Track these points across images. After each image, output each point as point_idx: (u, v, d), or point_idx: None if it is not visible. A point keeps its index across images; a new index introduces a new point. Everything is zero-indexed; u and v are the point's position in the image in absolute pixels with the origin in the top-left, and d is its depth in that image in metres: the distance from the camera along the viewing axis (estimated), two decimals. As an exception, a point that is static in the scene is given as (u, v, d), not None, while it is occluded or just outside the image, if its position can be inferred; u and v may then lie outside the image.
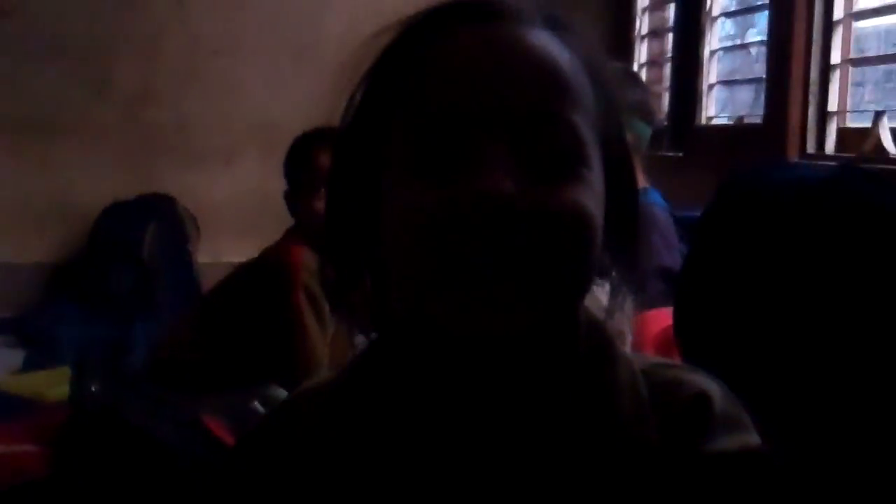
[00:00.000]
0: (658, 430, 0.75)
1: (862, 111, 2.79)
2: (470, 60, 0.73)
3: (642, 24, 3.98)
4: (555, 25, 0.77)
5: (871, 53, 2.98)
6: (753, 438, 0.78)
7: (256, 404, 2.07)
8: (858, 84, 2.96)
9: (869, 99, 3.00)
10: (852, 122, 2.80)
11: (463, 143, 0.71)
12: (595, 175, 0.73)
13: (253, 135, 3.93)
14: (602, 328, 0.80)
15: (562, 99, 0.73)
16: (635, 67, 3.91)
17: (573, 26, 0.78)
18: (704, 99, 3.52)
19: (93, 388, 2.06)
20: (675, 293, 1.09)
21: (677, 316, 1.09)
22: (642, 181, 2.62)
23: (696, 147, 3.41)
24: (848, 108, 2.80)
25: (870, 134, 2.56)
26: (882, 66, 2.99)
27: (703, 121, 3.54)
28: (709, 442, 0.75)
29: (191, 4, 4.00)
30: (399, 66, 0.76)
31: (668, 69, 3.75)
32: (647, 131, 2.64)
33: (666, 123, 3.57)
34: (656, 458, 0.74)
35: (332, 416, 0.80)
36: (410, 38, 0.77)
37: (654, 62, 3.93)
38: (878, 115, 2.56)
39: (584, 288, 0.74)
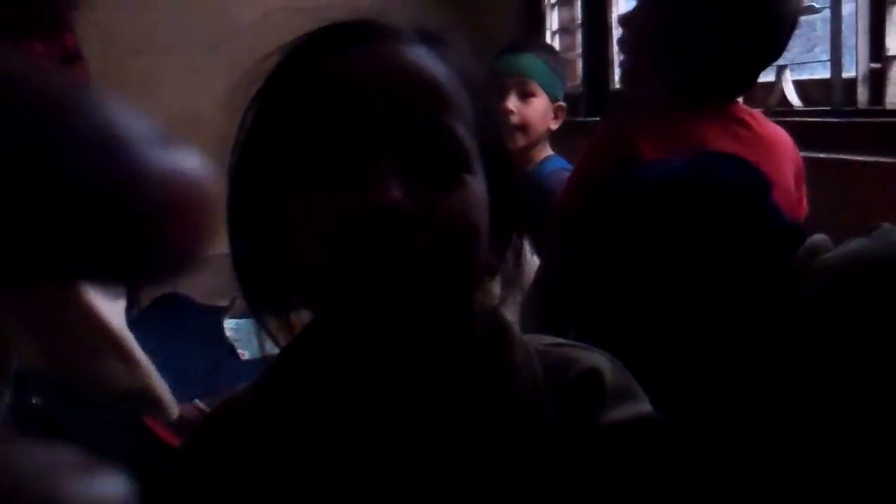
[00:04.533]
0: (554, 407, 0.81)
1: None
2: (355, 77, 0.78)
3: (552, -7, 4.03)
4: (431, 41, 0.83)
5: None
6: (645, 407, 0.85)
7: (197, 401, 2.09)
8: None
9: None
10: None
11: (353, 156, 0.76)
12: (477, 179, 0.79)
13: (174, 130, 3.92)
14: (498, 315, 0.86)
15: (442, 108, 0.78)
16: (547, 35, 3.97)
17: (448, 40, 0.85)
18: (616, 64, 3.58)
19: (34, 401, 2.07)
20: (562, 282, 1.18)
21: (568, 301, 1.19)
22: (546, 150, 2.72)
23: (612, 111, 3.48)
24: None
25: (773, 88, 2.64)
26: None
27: (617, 85, 3.60)
28: (603, 414, 0.82)
29: (102, 6, 3.98)
30: (288, 85, 0.81)
31: (579, 36, 3.80)
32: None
33: (581, 89, 3.64)
34: (553, 433, 0.80)
35: (259, 412, 0.85)
36: (297, 58, 0.82)
37: (565, 29, 3.98)
38: (780, 70, 2.64)
39: (472, 285, 0.81)
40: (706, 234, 1.10)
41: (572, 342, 0.92)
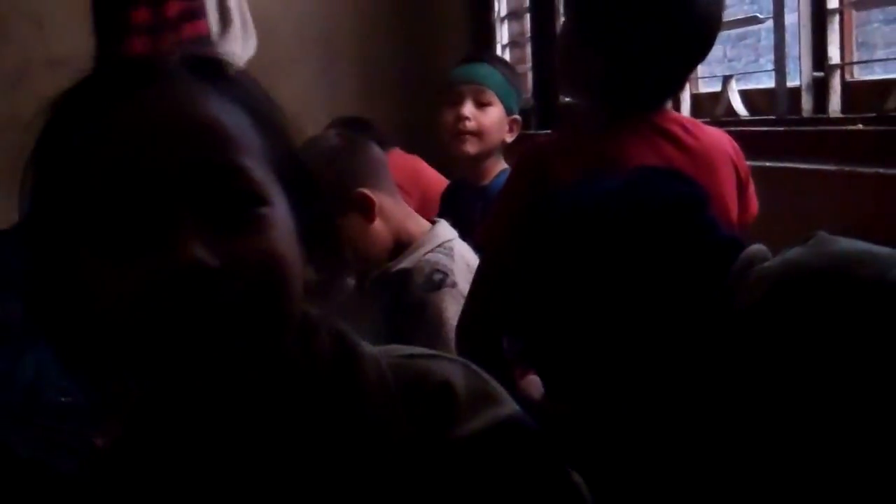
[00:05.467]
0: (410, 422, 0.81)
1: (711, 77, 2.88)
2: (131, 133, 0.74)
3: (501, 7, 4.06)
4: (209, 77, 0.80)
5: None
6: (504, 409, 0.85)
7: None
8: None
9: (719, 61, 3.10)
10: (705, 88, 2.91)
11: (145, 217, 0.73)
12: (277, 209, 0.77)
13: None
14: (344, 334, 0.85)
15: (226, 147, 0.76)
16: (497, 49, 3.99)
17: (227, 73, 0.82)
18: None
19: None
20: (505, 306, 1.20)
21: (516, 325, 1.21)
22: (501, 163, 2.73)
23: (561, 124, 3.50)
24: (700, 74, 2.90)
25: (720, 98, 2.67)
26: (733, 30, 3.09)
27: (567, 98, 3.62)
28: (456, 427, 0.82)
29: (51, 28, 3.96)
30: (58, 147, 0.77)
31: (528, 49, 3.83)
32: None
33: (532, 102, 3.66)
34: (408, 450, 0.80)
35: (124, 460, 0.84)
36: (66, 119, 0.77)
37: (514, 42, 4.00)
38: (726, 80, 2.67)
39: (293, 314, 0.78)
40: (643, 251, 1.11)
41: (427, 351, 0.91)
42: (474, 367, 0.89)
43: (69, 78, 0.81)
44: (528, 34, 3.84)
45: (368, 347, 0.86)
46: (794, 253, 1.06)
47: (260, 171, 0.77)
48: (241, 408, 0.79)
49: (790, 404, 0.97)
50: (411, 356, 0.88)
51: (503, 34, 4.06)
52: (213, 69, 0.81)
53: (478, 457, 0.81)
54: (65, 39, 3.90)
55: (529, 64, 3.80)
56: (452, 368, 0.86)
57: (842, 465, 0.94)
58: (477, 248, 2.00)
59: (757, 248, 1.11)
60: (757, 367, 0.99)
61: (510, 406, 0.86)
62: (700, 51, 1.68)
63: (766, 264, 1.06)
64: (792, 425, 0.97)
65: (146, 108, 0.75)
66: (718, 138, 1.74)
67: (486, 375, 0.88)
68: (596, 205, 1.16)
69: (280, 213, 0.78)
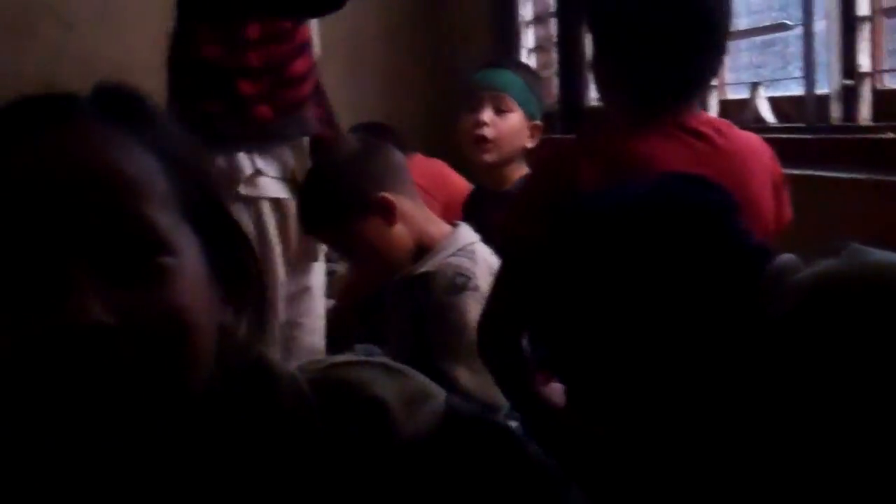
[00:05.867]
0: (344, 439, 0.78)
1: (739, 83, 2.87)
2: (24, 180, 0.71)
3: (526, 11, 4.04)
4: (121, 116, 0.76)
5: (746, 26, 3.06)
6: (438, 400, 0.83)
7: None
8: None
9: (747, 67, 3.08)
10: (733, 94, 2.89)
11: (37, 266, 0.69)
12: (184, 257, 0.74)
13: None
14: (262, 358, 0.82)
15: (126, 195, 0.72)
16: (523, 53, 3.98)
17: (144, 111, 0.78)
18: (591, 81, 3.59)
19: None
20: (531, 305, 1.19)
21: (541, 333, 1.20)
22: (523, 168, 2.70)
23: (587, 127, 3.48)
24: (727, 80, 2.89)
25: (747, 105, 2.65)
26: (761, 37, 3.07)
27: (593, 102, 3.61)
28: (396, 436, 0.79)
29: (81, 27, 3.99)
30: None
31: (555, 53, 3.81)
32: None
33: (557, 106, 3.64)
34: (347, 468, 0.78)
35: None
36: None
37: (541, 47, 3.99)
38: (754, 86, 2.65)
39: (200, 362, 0.74)
40: (669, 257, 1.10)
41: (346, 358, 0.88)
42: (394, 365, 0.85)
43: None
44: (555, 38, 3.82)
45: (284, 368, 0.83)
46: (828, 264, 1.05)
47: (166, 218, 0.73)
48: (151, 457, 0.74)
49: (824, 414, 0.96)
50: (331, 366, 0.85)
51: (529, 38, 4.04)
52: (128, 108, 0.77)
53: (429, 457, 0.79)
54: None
55: (555, 68, 3.79)
56: (375, 375, 0.83)
57: (875, 475, 0.93)
58: (498, 252, 1.98)
59: (789, 257, 1.10)
60: (790, 377, 0.98)
61: (440, 394, 0.84)
62: (713, 43, 1.65)
63: (801, 274, 1.05)
64: (824, 436, 0.95)
65: (43, 152, 0.72)
66: (753, 142, 1.72)
67: (408, 370, 0.85)
68: (622, 209, 1.15)
69: (188, 261, 0.74)
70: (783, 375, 0.98)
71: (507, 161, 2.71)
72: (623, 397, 1.12)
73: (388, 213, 2.01)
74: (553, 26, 3.85)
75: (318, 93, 2.37)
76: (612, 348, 1.11)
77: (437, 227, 2.09)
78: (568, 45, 3.64)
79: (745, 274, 1.08)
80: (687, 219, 1.12)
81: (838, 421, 0.95)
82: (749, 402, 1.01)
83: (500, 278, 1.72)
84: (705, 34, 1.64)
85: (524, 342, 1.64)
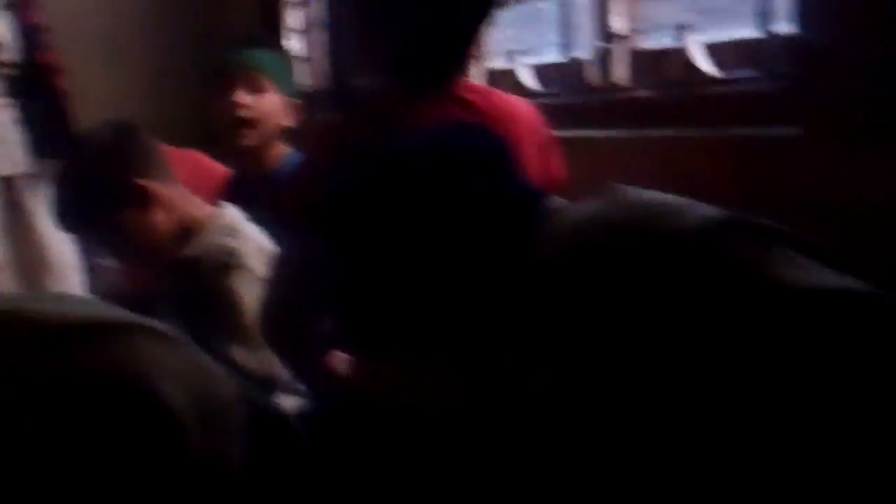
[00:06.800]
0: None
1: (503, 53, 2.87)
2: None
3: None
4: None
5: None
6: (229, 386, 0.79)
7: None
8: None
9: (511, 38, 3.10)
10: (498, 64, 2.88)
11: None
12: None
13: None
14: None
15: None
16: (286, 34, 3.91)
17: None
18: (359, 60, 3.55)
19: None
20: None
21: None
22: (284, 148, 2.63)
23: (355, 105, 3.45)
24: (492, 51, 2.88)
25: (512, 73, 2.67)
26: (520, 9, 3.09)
27: (362, 81, 3.57)
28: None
29: None
30: None
31: (317, 34, 3.76)
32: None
33: (326, 87, 3.60)
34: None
35: None
36: None
37: (302, 28, 3.93)
38: (514, 55, 2.67)
39: None
40: (448, 202, 1.08)
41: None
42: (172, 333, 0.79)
43: None
44: (317, 20, 3.77)
45: None
46: (591, 206, 1.05)
47: None
48: None
49: (590, 357, 0.95)
50: None
51: (292, 19, 3.97)
52: None
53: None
54: None
55: (323, 48, 3.73)
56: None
57: (647, 417, 0.93)
58: (272, 235, 1.92)
59: (560, 201, 1.11)
60: (557, 321, 0.97)
61: (228, 378, 0.79)
62: (477, 15, 1.66)
63: (565, 217, 1.05)
64: (593, 377, 0.95)
65: None
66: (518, 106, 1.76)
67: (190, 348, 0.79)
68: (398, 159, 1.13)
69: None
70: (551, 319, 0.98)
71: (267, 142, 2.61)
72: (407, 341, 1.10)
73: (146, 199, 1.94)
74: (316, 7, 3.80)
75: None
76: (395, 291, 1.09)
77: (199, 208, 2.04)
78: (334, 25, 3.59)
79: (517, 217, 1.07)
80: (463, 163, 1.11)
81: (604, 362, 0.94)
82: (522, 345, 1.00)
83: (282, 261, 1.69)
84: (469, 6, 1.65)
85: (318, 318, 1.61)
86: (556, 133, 1.92)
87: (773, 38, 1.92)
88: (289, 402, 1.93)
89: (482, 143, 1.16)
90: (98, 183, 1.94)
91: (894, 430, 0.86)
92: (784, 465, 0.87)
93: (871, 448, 0.86)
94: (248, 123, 2.54)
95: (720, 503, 0.91)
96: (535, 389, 0.99)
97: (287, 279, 1.65)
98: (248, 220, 2.03)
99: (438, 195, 1.09)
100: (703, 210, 1.01)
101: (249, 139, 2.55)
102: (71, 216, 2.03)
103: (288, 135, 2.65)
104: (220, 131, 2.62)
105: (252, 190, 2.45)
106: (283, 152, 2.61)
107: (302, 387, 1.93)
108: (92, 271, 2.54)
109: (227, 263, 1.89)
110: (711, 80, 2.09)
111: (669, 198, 1.04)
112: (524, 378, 1.00)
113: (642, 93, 2.22)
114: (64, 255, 2.49)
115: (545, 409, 0.99)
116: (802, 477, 0.87)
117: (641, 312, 0.94)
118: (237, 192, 2.58)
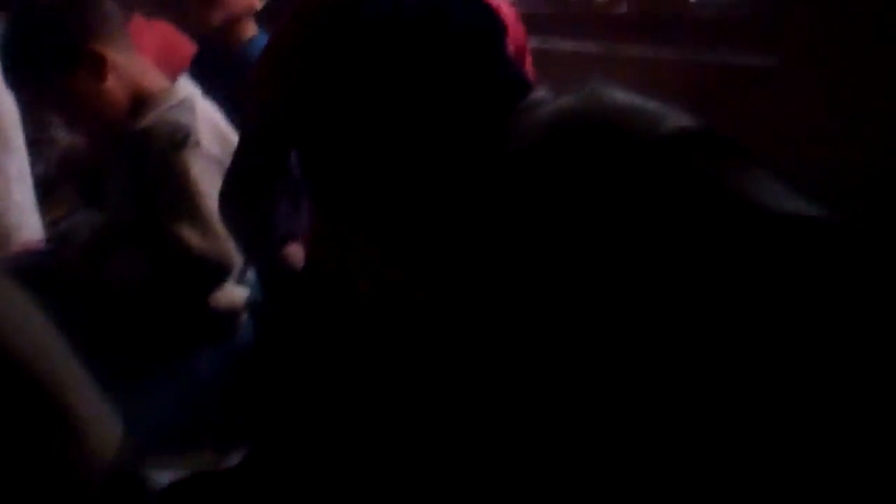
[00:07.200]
0: None
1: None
2: None
3: None
4: None
5: None
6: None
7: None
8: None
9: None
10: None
11: None
12: None
13: None
14: None
15: None
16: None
17: None
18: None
19: None
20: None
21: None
22: (253, 28, 2.56)
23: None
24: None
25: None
26: None
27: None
28: None
29: None
30: None
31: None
32: None
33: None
34: None
35: None
36: None
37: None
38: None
39: None
40: (434, 71, 1.04)
41: None
42: None
43: None
44: None
45: None
46: (566, 101, 1.02)
47: None
48: None
49: (556, 253, 0.93)
50: None
51: None
52: None
53: None
54: None
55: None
56: None
57: (610, 315, 0.91)
58: (239, 111, 1.86)
59: (544, 93, 1.07)
60: (524, 214, 0.95)
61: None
62: None
63: (539, 111, 1.01)
64: (559, 276, 0.93)
65: None
66: (500, 5, 1.73)
67: None
68: (391, 19, 1.07)
69: None
70: (518, 212, 0.95)
71: (233, 20, 2.54)
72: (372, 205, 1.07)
73: (99, 66, 1.86)
74: None
75: None
76: (369, 153, 1.06)
77: (153, 80, 1.95)
78: None
79: (500, 104, 1.04)
80: (455, 36, 1.06)
81: (569, 259, 0.92)
82: (488, 236, 0.98)
83: (250, 136, 1.64)
84: None
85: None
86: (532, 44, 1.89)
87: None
88: (239, 293, 1.90)
89: (478, 15, 1.11)
90: (47, 44, 1.85)
91: (868, 363, 0.85)
92: (747, 385, 0.86)
93: (846, 379, 0.85)
94: (208, 4, 2.47)
95: (684, 415, 0.89)
96: (492, 279, 0.97)
97: (253, 154, 1.61)
98: (205, 97, 1.97)
99: (426, 59, 1.04)
100: (680, 119, 0.98)
101: (213, 19, 2.49)
102: (16, 75, 1.96)
103: (257, 15, 2.59)
104: (187, 6, 2.55)
105: (214, 68, 2.38)
106: (251, 32, 2.55)
107: (253, 276, 1.90)
108: (38, 145, 2.47)
109: (179, 139, 1.82)
110: (689, 1, 2.06)
111: (650, 103, 1.01)
112: (482, 266, 0.98)
113: (618, 9, 2.18)
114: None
115: (501, 299, 0.97)
116: (764, 404, 0.86)
117: (604, 212, 0.92)
118: (200, 68, 2.51)
